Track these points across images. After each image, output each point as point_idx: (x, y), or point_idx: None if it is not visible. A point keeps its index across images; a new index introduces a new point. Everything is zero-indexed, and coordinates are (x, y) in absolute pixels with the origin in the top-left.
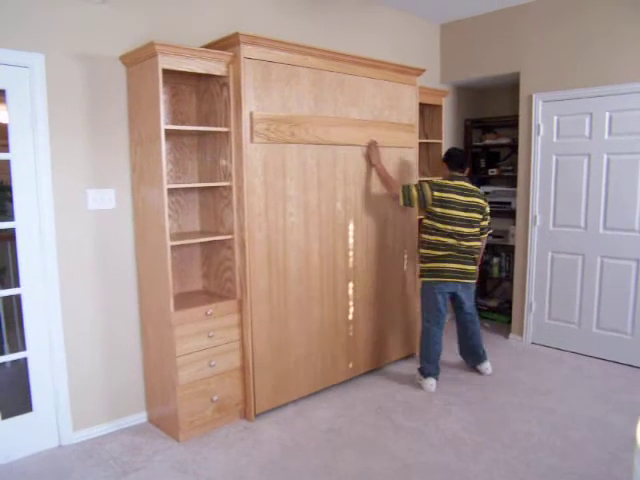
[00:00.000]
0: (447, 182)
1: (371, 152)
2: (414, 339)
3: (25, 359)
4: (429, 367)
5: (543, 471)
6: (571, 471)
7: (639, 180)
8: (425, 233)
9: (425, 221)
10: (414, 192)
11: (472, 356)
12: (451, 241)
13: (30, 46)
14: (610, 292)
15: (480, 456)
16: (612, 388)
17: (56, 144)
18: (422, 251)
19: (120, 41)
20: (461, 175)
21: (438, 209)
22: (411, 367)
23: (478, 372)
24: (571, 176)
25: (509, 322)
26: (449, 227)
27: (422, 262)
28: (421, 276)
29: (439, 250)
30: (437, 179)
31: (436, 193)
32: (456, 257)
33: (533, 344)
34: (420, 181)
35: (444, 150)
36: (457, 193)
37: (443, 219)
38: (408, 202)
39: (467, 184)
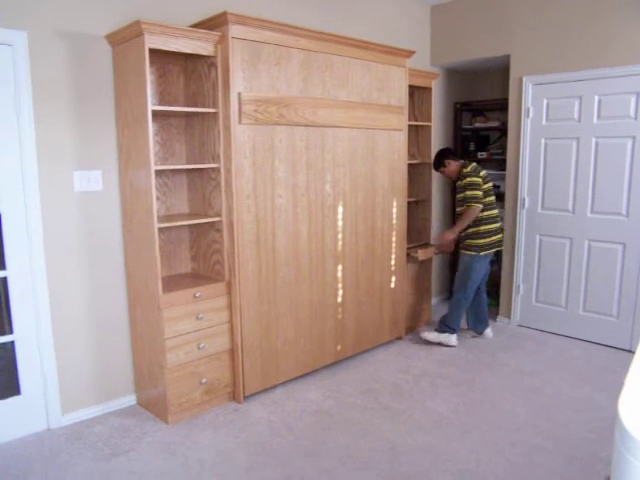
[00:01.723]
0: (478, 177)
1: (445, 243)
2: (402, 322)
3: (12, 342)
4: (457, 326)
5: (529, 451)
6: (556, 451)
7: (627, 164)
8: (480, 213)
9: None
10: (480, 197)
11: (482, 323)
12: (494, 212)
13: (12, 23)
14: (597, 275)
15: (467, 437)
16: (597, 369)
17: (41, 125)
18: (474, 229)
19: (106, 19)
20: (467, 162)
21: (485, 199)
22: (399, 350)
23: (485, 337)
24: (560, 159)
25: (497, 305)
26: (491, 199)
27: (475, 239)
28: (473, 251)
29: (491, 224)
30: (477, 179)
31: (482, 189)
32: (499, 228)
33: (520, 326)
34: (472, 191)
35: (433, 133)
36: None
37: (489, 204)
38: (480, 203)
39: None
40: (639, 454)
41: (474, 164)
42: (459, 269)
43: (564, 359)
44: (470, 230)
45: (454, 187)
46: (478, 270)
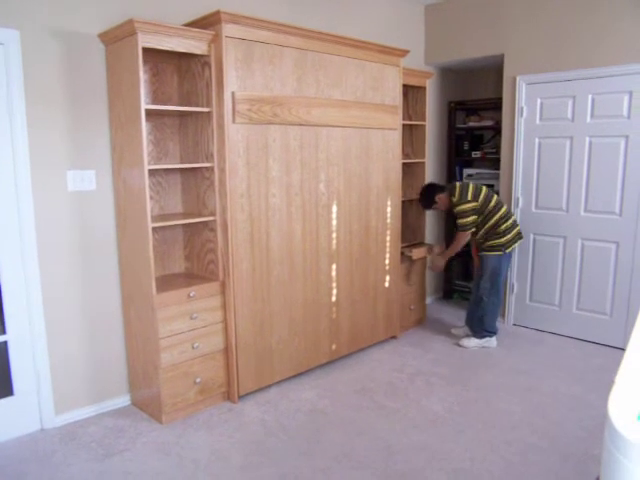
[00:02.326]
0: (466, 204)
1: (437, 263)
2: (396, 321)
3: (5, 343)
4: (495, 329)
5: (524, 449)
6: (551, 449)
7: (620, 163)
8: (490, 219)
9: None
10: (470, 223)
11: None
12: (504, 209)
13: (4, 22)
14: (590, 274)
15: (462, 435)
16: (591, 368)
17: (34, 124)
18: (494, 231)
19: (99, 18)
20: (450, 186)
21: (488, 206)
22: (393, 349)
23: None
24: (553, 158)
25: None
26: (495, 201)
27: (497, 239)
28: (498, 251)
29: (506, 221)
30: (467, 205)
31: (475, 204)
32: (515, 222)
33: (515, 325)
34: (461, 219)
35: (427, 132)
36: (481, 193)
37: (495, 206)
38: (473, 228)
39: (467, 186)
40: (628, 453)
41: (458, 186)
42: (486, 272)
43: (559, 358)
44: (490, 233)
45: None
46: (505, 267)
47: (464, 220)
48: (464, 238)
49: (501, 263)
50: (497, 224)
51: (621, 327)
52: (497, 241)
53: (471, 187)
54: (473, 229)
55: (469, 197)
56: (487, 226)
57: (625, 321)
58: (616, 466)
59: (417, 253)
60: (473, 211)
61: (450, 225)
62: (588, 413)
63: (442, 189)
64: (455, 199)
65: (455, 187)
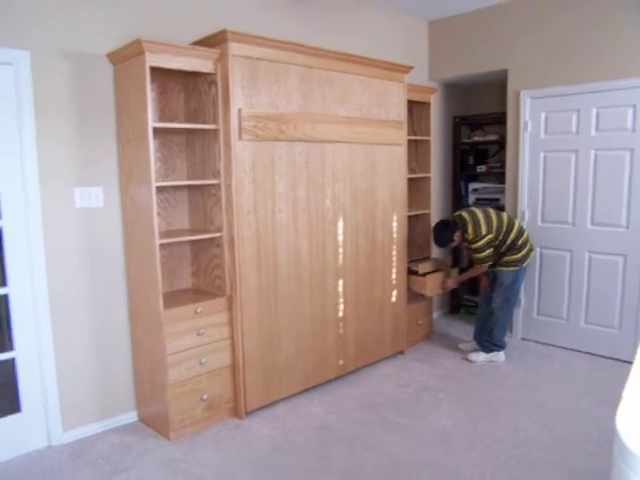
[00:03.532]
0: (480, 241)
1: (449, 285)
2: (404, 336)
3: (13, 359)
4: (504, 343)
5: (532, 465)
6: (560, 465)
7: (626, 176)
8: (507, 239)
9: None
10: (487, 256)
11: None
12: (516, 226)
13: (15, 43)
14: (598, 287)
15: (470, 451)
16: (600, 382)
17: (43, 142)
18: (513, 248)
19: (107, 38)
20: (464, 220)
21: (502, 229)
22: (401, 364)
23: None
24: (559, 172)
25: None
26: (510, 223)
27: (515, 254)
28: (515, 267)
29: (522, 236)
30: (483, 241)
31: (490, 236)
32: (528, 236)
33: (523, 340)
34: (477, 254)
35: (432, 147)
36: (489, 212)
37: (508, 225)
38: (491, 260)
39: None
40: (638, 469)
41: (469, 221)
42: (500, 286)
43: (567, 372)
44: (507, 250)
45: (454, 202)
46: (521, 281)
47: (481, 255)
48: (481, 271)
49: (518, 277)
50: (514, 242)
51: (630, 340)
52: (514, 256)
53: (481, 218)
54: (491, 262)
55: (483, 232)
56: (505, 246)
57: (634, 334)
58: None
59: (423, 268)
60: (489, 244)
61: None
62: (597, 427)
63: (456, 225)
64: (470, 236)
65: (466, 222)
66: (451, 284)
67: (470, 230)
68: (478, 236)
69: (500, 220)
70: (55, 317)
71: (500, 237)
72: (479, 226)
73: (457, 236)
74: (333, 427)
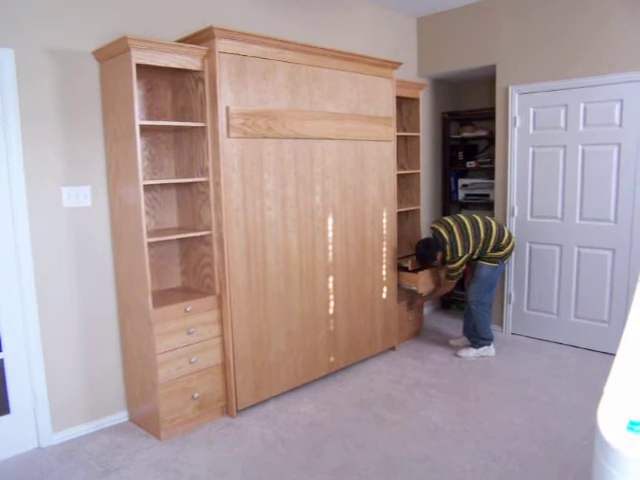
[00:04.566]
0: (456, 262)
1: (439, 292)
2: (394, 332)
3: (2, 360)
4: (491, 335)
5: (524, 460)
6: (552, 459)
7: (613, 170)
8: (489, 241)
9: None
10: (459, 268)
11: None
12: (494, 227)
13: None
14: (587, 281)
15: (462, 446)
16: (590, 376)
17: (28, 141)
18: (497, 246)
19: (93, 36)
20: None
21: (480, 236)
22: (392, 360)
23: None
24: (547, 167)
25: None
26: (488, 228)
27: (497, 252)
28: (496, 263)
29: (504, 236)
30: (459, 262)
31: (467, 255)
32: (510, 234)
33: (513, 334)
34: (458, 265)
35: (422, 143)
36: (465, 227)
37: (486, 231)
38: (461, 274)
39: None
40: (618, 464)
41: (448, 242)
42: (478, 279)
43: (557, 366)
44: (491, 250)
45: (444, 198)
46: (497, 277)
47: (455, 265)
48: (449, 288)
49: (494, 273)
50: (497, 243)
51: (619, 334)
52: (497, 254)
53: (458, 237)
54: (461, 275)
55: (459, 253)
56: (489, 248)
57: (623, 328)
58: (606, 478)
59: (413, 264)
60: (464, 260)
61: None
62: (588, 422)
63: (437, 246)
64: (448, 258)
65: (445, 242)
66: (421, 301)
67: (448, 251)
68: (455, 257)
69: (475, 230)
70: (43, 317)
71: (479, 243)
72: (456, 249)
73: (439, 255)
74: (324, 424)
